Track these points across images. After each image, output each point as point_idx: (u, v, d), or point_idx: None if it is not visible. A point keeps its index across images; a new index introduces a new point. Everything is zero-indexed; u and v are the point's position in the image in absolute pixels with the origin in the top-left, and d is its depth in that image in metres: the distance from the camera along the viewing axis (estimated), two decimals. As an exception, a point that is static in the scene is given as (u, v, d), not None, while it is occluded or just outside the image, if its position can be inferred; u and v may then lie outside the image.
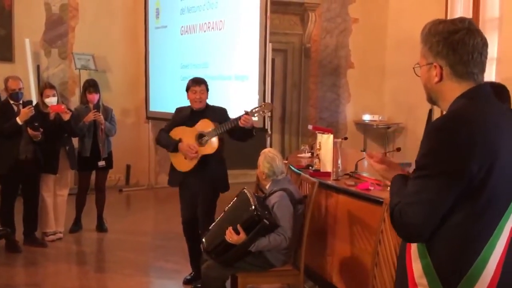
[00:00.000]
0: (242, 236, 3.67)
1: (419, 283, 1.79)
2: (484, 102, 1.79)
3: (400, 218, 1.74)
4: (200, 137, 4.47)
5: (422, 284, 1.78)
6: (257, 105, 4.56)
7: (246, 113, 4.39)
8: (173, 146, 4.53)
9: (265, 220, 3.65)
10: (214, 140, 4.47)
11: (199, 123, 4.50)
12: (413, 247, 1.82)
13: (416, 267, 1.80)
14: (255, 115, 4.46)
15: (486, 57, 1.81)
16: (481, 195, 1.70)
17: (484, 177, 1.68)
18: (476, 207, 1.70)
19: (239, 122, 4.34)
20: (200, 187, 4.52)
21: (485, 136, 1.69)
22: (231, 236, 3.70)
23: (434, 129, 1.74)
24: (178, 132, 4.57)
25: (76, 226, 6.31)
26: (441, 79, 1.82)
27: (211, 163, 4.51)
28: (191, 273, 4.77)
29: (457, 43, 1.77)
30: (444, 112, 1.84)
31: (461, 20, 1.82)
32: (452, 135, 1.69)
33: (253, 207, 3.69)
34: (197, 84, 4.53)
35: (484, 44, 1.80)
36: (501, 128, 1.74)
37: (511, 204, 1.76)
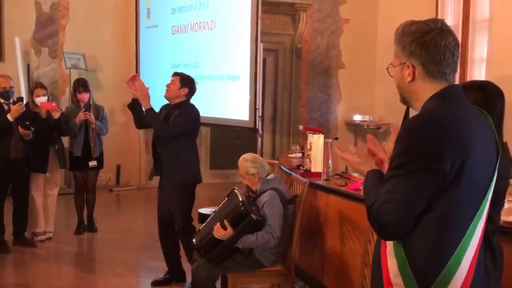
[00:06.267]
0: (229, 231, 3.69)
1: (395, 283, 1.80)
2: (456, 102, 1.82)
3: (377, 217, 1.76)
4: None
5: (397, 284, 1.79)
6: None
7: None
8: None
9: (252, 215, 3.67)
10: None
11: None
12: (389, 245, 1.83)
13: (392, 264, 1.81)
14: None
15: (458, 57, 1.84)
16: (453, 195, 1.72)
17: (456, 176, 1.71)
18: (449, 206, 1.72)
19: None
20: (167, 186, 4.67)
21: (456, 135, 1.72)
22: (218, 231, 3.72)
23: (407, 128, 1.77)
24: None
25: (80, 228, 6.26)
26: (413, 78, 1.85)
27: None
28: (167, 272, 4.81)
29: (429, 43, 1.80)
30: (417, 112, 1.86)
31: (434, 21, 1.84)
32: (425, 134, 1.71)
33: (240, 202, 3.72)
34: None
35: (456, 44, 1.83)
36: (472, 127, 1.77)
37: (482, 204, 1.78)
